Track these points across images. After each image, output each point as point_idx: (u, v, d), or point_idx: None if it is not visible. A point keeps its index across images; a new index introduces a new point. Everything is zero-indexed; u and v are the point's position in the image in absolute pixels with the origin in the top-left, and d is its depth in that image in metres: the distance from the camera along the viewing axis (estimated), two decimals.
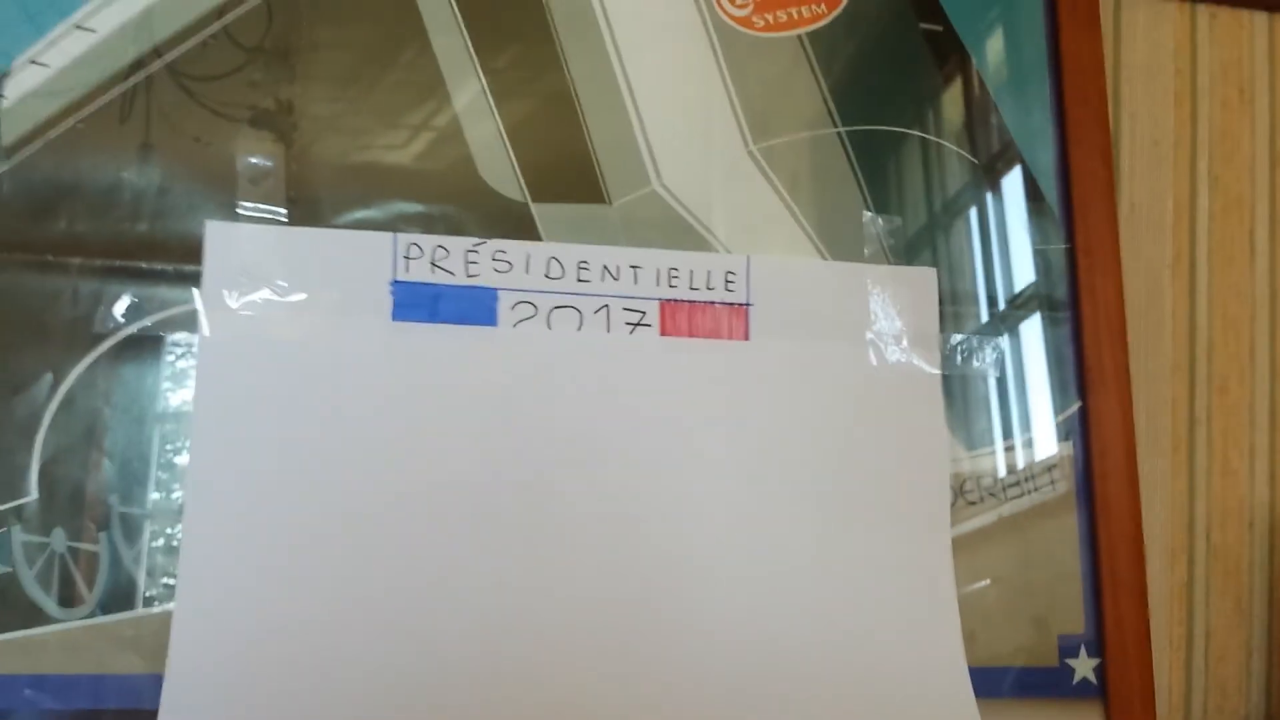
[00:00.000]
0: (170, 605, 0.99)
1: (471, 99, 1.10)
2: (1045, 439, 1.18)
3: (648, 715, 1.01)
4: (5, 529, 0.98)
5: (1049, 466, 1.19)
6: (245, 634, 0.95)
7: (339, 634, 0.96)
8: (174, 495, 1.02)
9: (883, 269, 1.16)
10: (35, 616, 0.97)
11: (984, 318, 1.19)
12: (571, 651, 1.02)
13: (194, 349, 1.04)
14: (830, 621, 1.06)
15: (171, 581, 0.99)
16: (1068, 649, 1.16)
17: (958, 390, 1.17)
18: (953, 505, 1.13)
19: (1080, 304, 1.21)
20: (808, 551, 1.09)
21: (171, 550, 1.00)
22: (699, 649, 1.04)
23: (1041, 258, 1.23)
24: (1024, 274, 1.20)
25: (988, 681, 1.12)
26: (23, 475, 0.99)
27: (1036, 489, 1.18)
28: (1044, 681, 1.15)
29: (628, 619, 1.04)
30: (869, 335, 1.14)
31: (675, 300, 1.12)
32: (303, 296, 1.06)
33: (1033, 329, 1.22)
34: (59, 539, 0.99)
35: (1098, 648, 1.17)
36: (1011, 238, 1.25)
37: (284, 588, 0.98)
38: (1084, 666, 1.15)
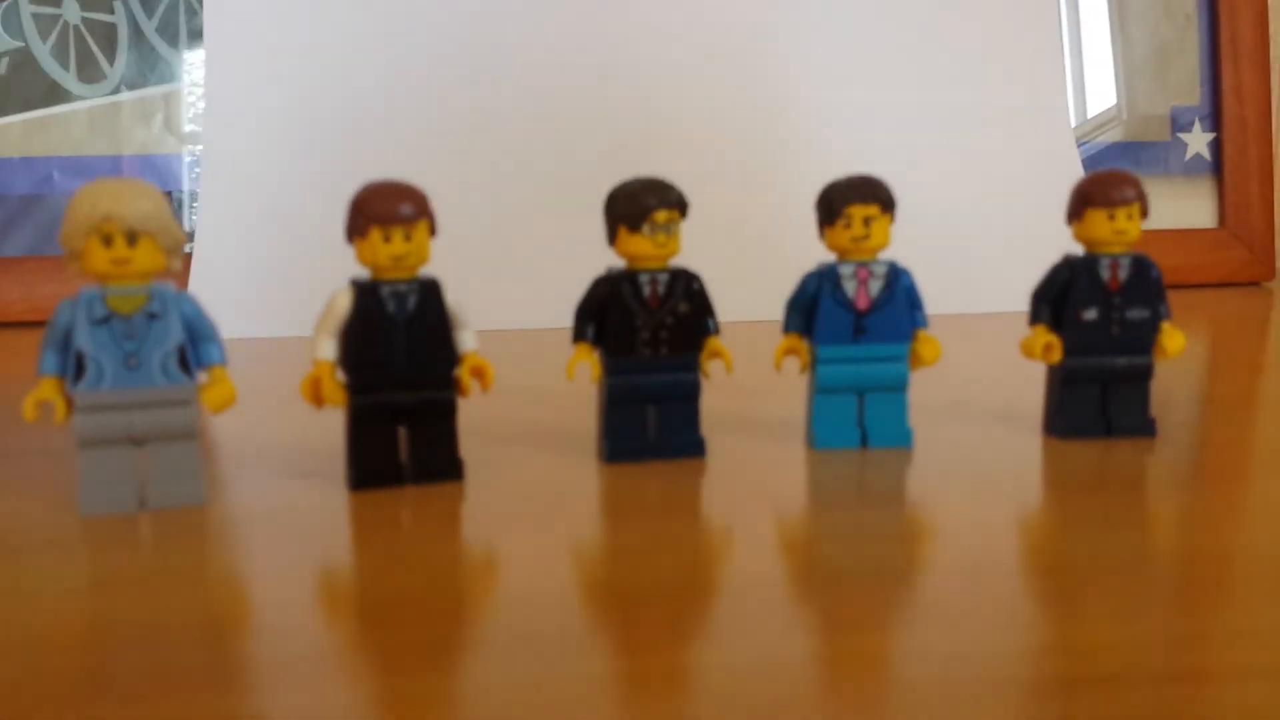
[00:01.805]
0: (200, 76, 0.90)
1: None
2: None
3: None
4: None
5: None
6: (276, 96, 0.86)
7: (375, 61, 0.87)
8: None
9: None
10: (56, 94, 0.89)
11: None
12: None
13: None
14: (935, 95, 0.95)
15: (199, 52, 0.89)
16: (1181, 122, 1.06)
17: None
18: None
19: None
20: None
21: (194, 12, 0.91)
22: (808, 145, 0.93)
23: None
24: None
25: (1094, 156, 1.03)
26: None
27: None
28: (1154, 157, 1.05)
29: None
30: None
31: None
32: None
33: None
34: (71, 9, 0.90)
35: (1213, 121, 1.07)
36: None
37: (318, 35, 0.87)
38: (1198, 141, 1.05)
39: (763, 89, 0.93)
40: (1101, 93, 1.04)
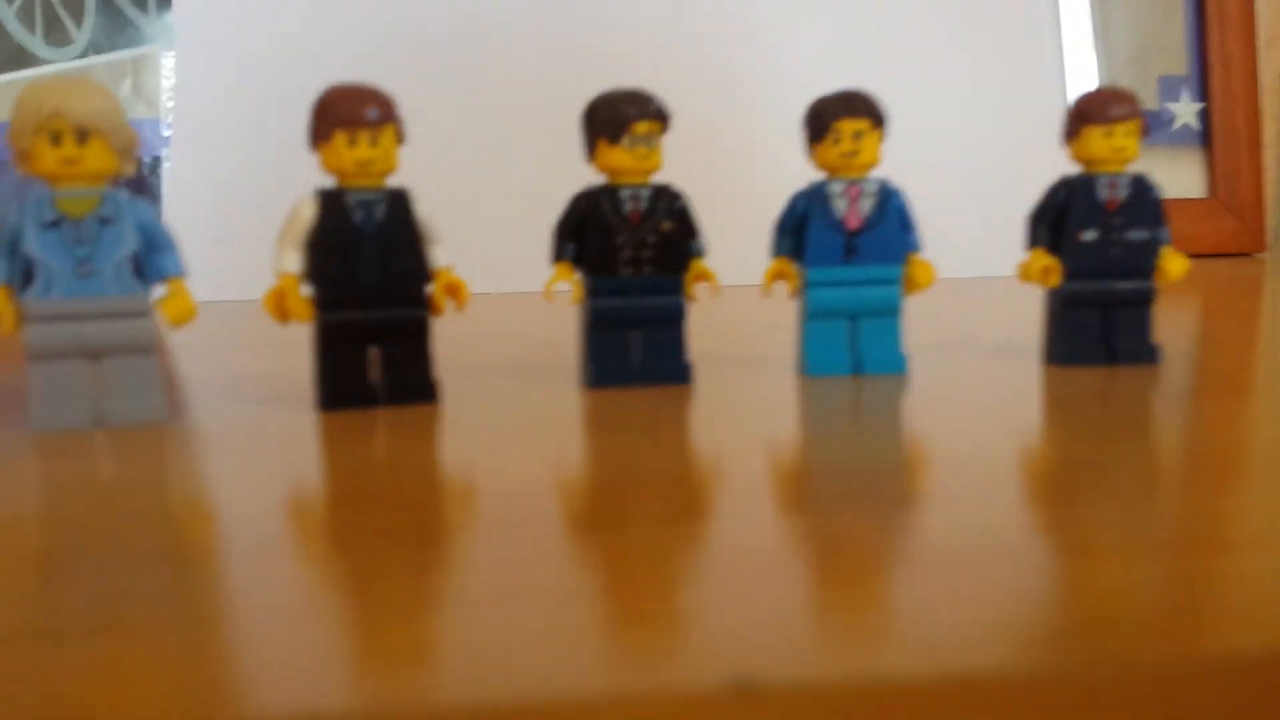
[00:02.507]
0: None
1: None
2: None
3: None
4: None
5: None
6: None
7: None
8: None
9: None
10: (22, 58, 0.87)
11: None
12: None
13: None
14: (926, 71, 0.94)
15: (164, 10, 0.87)
16: (1169, 92, 1.05)
17: None
18: None
19: None
20: None
21: None
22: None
23: None
24: None
25: None
26: None
27: None
28: None
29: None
30: None
31: None
32: None
33: None
34: None
35: (1201, 91, 1.06)
36: None
37: None
38: (1186, 111, 1.04)
39: (754, 63, 0.91)
40: (1082, 64, 1.03)
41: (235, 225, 0.80)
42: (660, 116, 0.40)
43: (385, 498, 0.26)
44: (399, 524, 0.24)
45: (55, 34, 0.87)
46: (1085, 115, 0.43)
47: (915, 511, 0.25)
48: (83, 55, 0.87)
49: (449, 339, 0.40)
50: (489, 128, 0.86)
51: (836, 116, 0.41)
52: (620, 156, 0.39)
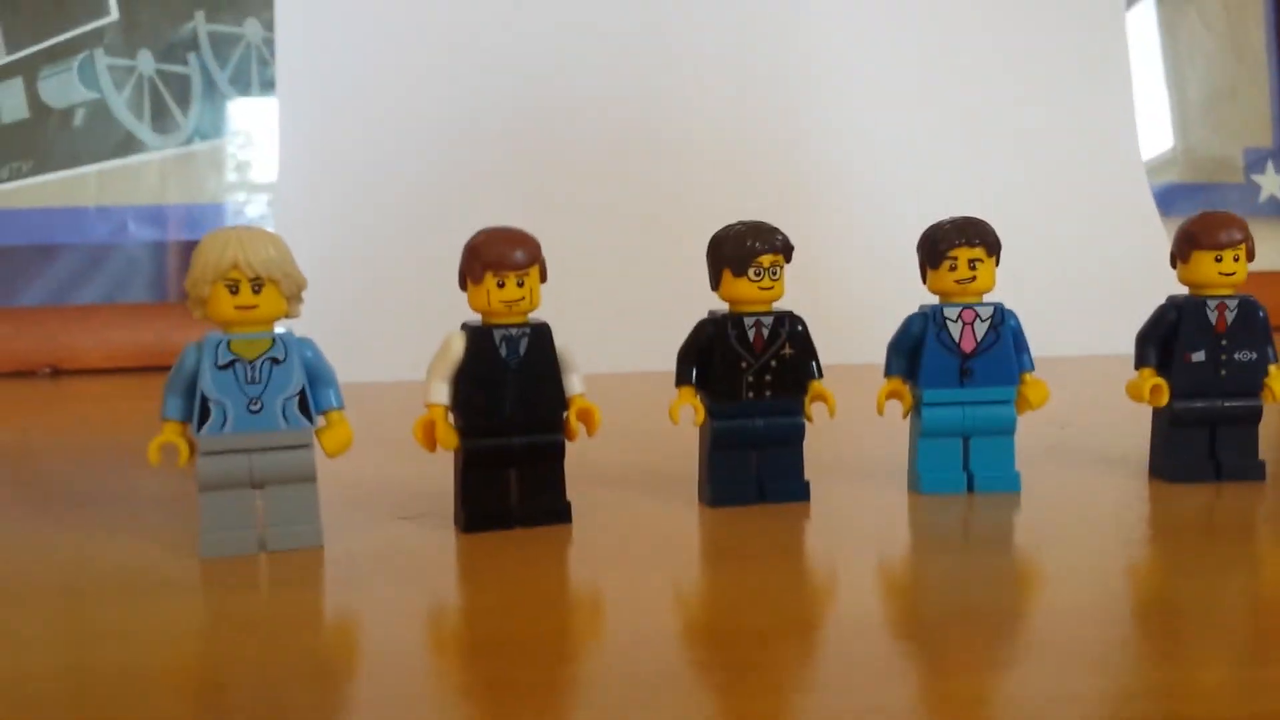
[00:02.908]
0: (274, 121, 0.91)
1: None
2: None
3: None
4: (88, 52, 0.91)
5: None
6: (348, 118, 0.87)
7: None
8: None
9: None
10: (130, 144, 0.91)
11: None
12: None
13: None
14: (1005, 133, 0.95)
15: (268, 97, 0.91)
16: (1254, 163, 1.05)
17: None
18: None
19: None
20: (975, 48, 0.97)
21: (265, 63, 0.92)
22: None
23: None
24: None
25: (1169, 199, 1.02)
26: None
27: None
28: (1228, 199, 1.04)
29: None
30: None
31: None
32: None
33: None
34: (146, 61, 0.91)
35: None
36: None
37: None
38: (1271, 183, 1.04)
39: (831, 135, 0.93)
40: (1158, 133, 1.03)
41: (334, 306, 0.83)
42: (784, 249, 0.41)
43: (515, 646, 0.28)
44: (525, 681, 0.26)
45: (162, 121, 0.91)
46: (1194, 240, 0.44)
47: (1022, 673, 0.26)
48: (188, 142, 0.90)
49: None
50: (593, 202, 0.88)
51: (952, 244, 0.43)
52: (745, 287, 0.41)
